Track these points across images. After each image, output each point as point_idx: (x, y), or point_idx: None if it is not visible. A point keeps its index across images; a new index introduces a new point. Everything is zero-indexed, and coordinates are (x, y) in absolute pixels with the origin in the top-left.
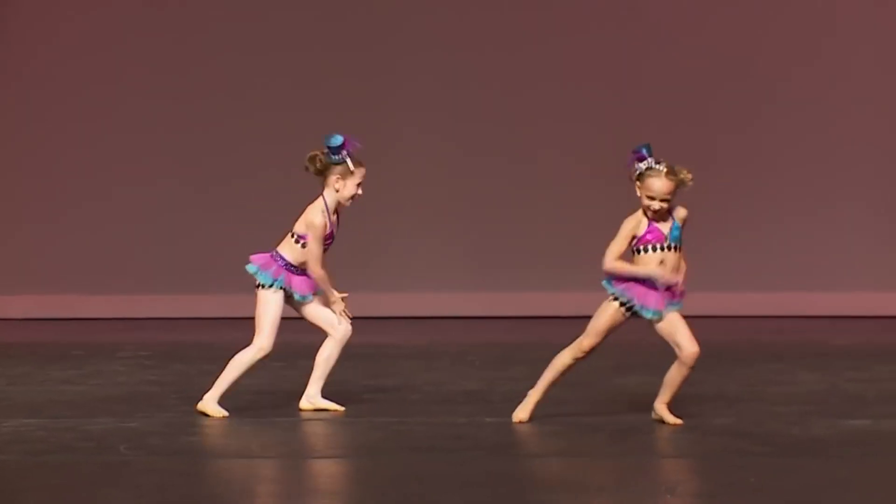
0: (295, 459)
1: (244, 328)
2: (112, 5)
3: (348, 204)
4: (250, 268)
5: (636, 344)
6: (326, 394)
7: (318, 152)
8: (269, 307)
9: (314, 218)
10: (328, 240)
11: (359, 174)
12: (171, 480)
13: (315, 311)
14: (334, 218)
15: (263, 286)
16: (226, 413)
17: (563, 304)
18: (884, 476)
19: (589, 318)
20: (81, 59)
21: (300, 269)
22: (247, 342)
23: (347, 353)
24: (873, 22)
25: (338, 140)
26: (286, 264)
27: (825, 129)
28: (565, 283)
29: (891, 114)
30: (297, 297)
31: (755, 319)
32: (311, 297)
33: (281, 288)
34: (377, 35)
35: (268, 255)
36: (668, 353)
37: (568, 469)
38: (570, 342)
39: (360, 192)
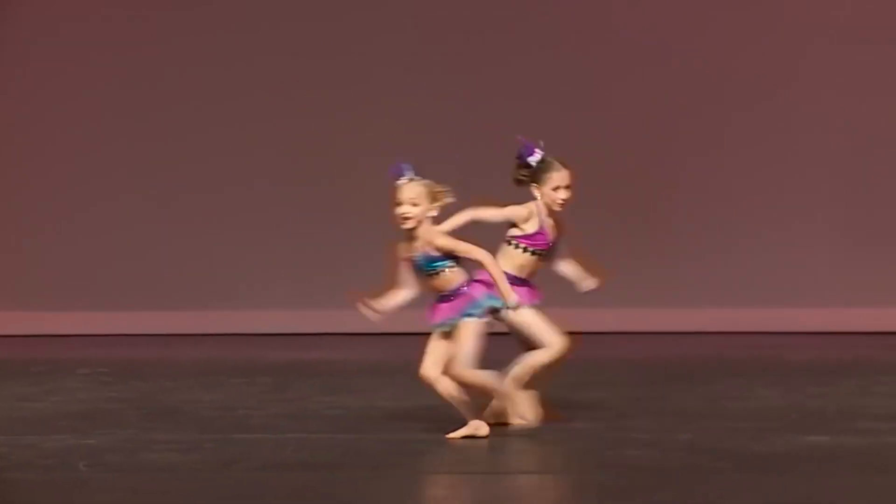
0: (253, 474)
1: (202, 345)
2: (76, 22)
3: (557, 208)
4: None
5: (598, 358)
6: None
7: (514, 170)
8: (531, 318)
9: (516, 206)
10: (541, 244)
11: (554, 179)
12: (131, 498)
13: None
14: (550, 221)
15: (501, 309)
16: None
17: None
18: (842, 492)
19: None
20: (51, 76)
21: (522, 280)
22: (208, 359)
23: (306, 369)
24: (837, 51)
25: (520, 151)
26: (513, 278)
27: (787, 152)
28: None
29: (849, 138)
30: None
31: (715, 335)
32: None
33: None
34: (347, 48)
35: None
36: (626, 368)
37: (527, 485)
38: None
39: (560, 195)
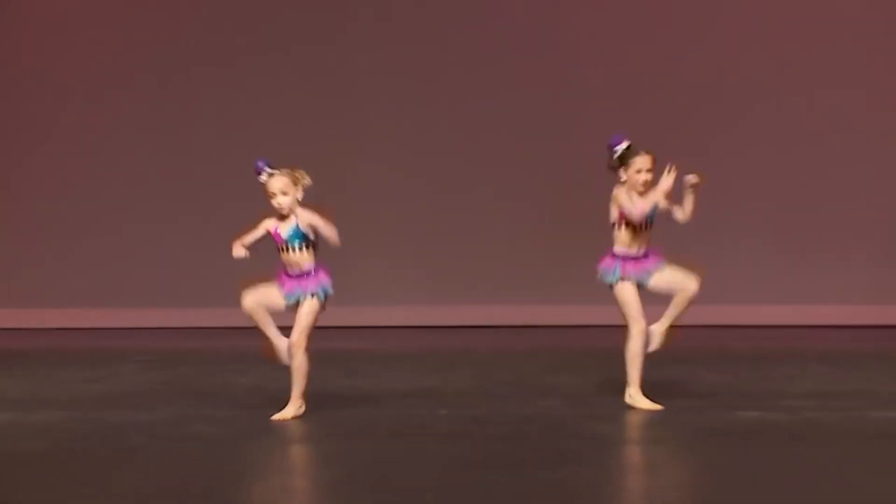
0: (279, 443)
1: (238, 336)
2: (76, 25)
3: (639, 188)
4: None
5: (565, 348)
6: (316, 389)
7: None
8: (625, 297)
9: (617, 194)
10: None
11: (637, 163)
12: (179, 463)
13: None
14: (638, 200)
15: (612, 284)
16: (659, 406)
17: (505, 314)
18: (769, 459)
19: (524, 327)
20: (63, 77)
21: (632, 256)
22: (243, 348)
23: (324, 357)
24: (779, 82)
25: (611, 141)
26: (622, 256)
27: (735, 169)
28: (507, 297)
29: (789, 162)
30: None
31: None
32: (661, 269)
33: (622, 279)
34: (339, 63)
35: (608, 255)
36: (590, 356)
37: (507, 452)
38: (513, 348)
39: (642, 177)
